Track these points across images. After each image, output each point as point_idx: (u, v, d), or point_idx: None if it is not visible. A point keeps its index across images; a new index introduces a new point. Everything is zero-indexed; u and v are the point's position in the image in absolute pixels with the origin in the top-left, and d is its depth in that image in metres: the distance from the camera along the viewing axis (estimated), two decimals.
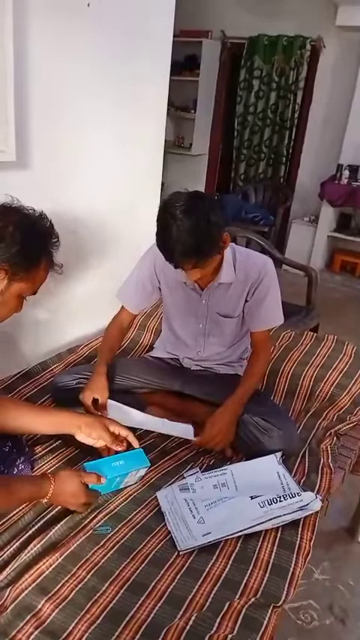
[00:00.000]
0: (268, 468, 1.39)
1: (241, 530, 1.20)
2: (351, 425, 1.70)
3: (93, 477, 1.21)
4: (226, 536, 1.20)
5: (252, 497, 1.27)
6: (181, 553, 1.16)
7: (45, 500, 1.15)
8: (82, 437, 1.30)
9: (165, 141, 2.33)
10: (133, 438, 1.33)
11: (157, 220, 1.34)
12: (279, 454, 1.42)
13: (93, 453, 1.39)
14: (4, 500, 1.11)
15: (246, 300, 1.58)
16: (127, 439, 1.33)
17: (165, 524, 1.24)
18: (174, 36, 2.13)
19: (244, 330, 1.67)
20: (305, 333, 2.26)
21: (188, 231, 1.27)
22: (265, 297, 1.55)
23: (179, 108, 5.01)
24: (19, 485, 1.14)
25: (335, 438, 1.61)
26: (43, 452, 1.43)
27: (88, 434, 1.29)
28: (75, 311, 2.13)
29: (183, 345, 1.69)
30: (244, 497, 1.28)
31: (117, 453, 1.32)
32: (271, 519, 1.22)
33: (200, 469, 1.42)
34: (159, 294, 1.68)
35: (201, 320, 1.62)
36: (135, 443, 1.33)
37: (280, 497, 1.26)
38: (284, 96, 4.65)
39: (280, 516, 1.23)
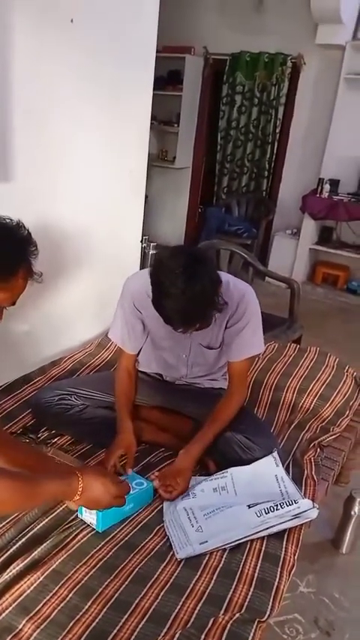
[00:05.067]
0: (266, 471, 1.40)
1: (237, 540, 1.21)
2: (334, 436, 1.72)
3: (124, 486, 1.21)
4: (223, 545, 1.21)
5: (249, 506, 1.28)
6: (178, 559, 1.17)
7: (75, 499, 1.09)
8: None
9: (149, 154, 2.34)
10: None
11: (154, 282, 1.25)
12: (275, 453, 1.43)
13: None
14: (28, 499, 1.05)
15: (226, 328, 1.52)
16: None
17: (149, 539, 1.23)
18: (157, 51, 2.15)
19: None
20: (288, 344, 2.27)
21: (193, 302, 1.20)
22: (243, 328, 1.48)
23: (163, 122, 5.05)
24: (45, 483, 1.07)
25: (319, 449, 1.62)
26: None
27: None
28: (58, 323, 2.11)
29: (167, 368, 1.67)
30: (241, 506, 1.29)
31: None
32: (267, 528, 1.23)
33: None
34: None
35: (184, 351, 1.58)
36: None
37: (277, 505, 1.27)
38: (266, 111, 4.72)
39: (276, 525, 1.24)
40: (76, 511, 1.26)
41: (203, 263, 1.24)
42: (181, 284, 1.19)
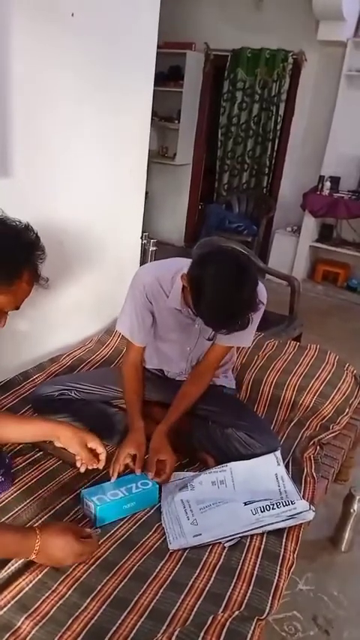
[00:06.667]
0: (266, 469, 1.40)
1: (230, 536, 1.21)
2: (334, 434, 1.71)
3: (88, 537, 1.14)
4: (215, 540, 1.21)
5: (245, 504, 1.29)
6: (170, 549, 1.18)
7: (32, 557, 1.05)
8: (60, 445, 1.29)
9: (149, 151, 2.33)
10: (104, 457, 1.29)
11: (197, 286, 1.24)
12: (278, 453, 1.43)
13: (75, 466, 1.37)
14: None
15: None
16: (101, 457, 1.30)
17: (148, 537, 1.23)
18: (158, 47, 2.14)
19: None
20: (288, 342, 2.27)
21: (238, 307, 1.23)
22: None
23: (163, 118, 5.03)
24: None
25: (318, 447, 1.62)
26: (24, 464, 1.41)
27: (66, 447, 1.26)
28: (58, 320, 2.10)
29: (169, 362, 1.67)
30: (237, 503, 1.29)
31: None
32: (262, 526, 1.23)
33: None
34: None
35: (190, 344, 1.59)
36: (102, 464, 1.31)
37: (273, 504, 1.27)
38: (267, 108, 4.70)
39: (271, 524, 1.24)
40: (77, 498, 1.28)
41: (247, 269, 1.25)
42: (227, 291, 1.21)
